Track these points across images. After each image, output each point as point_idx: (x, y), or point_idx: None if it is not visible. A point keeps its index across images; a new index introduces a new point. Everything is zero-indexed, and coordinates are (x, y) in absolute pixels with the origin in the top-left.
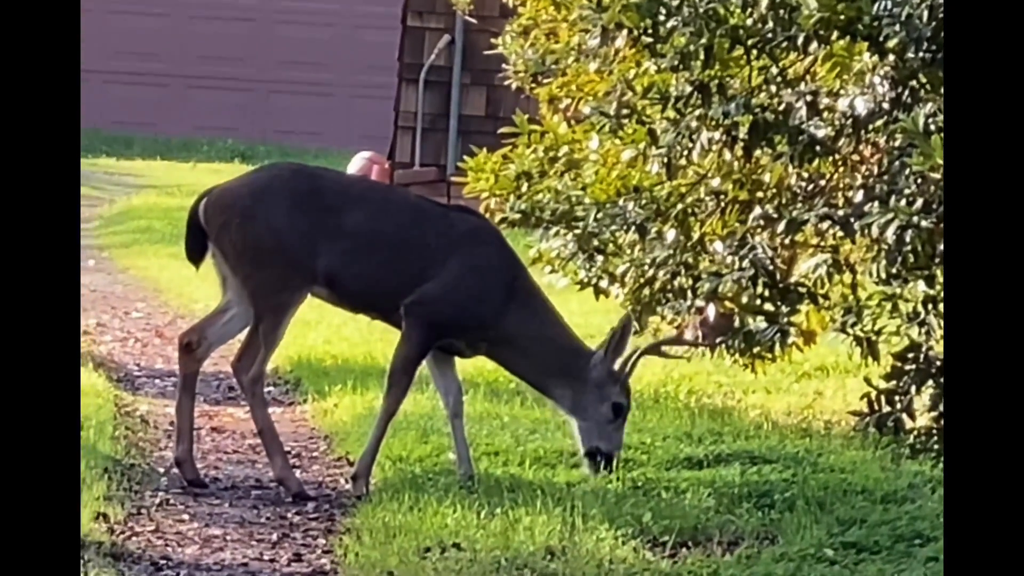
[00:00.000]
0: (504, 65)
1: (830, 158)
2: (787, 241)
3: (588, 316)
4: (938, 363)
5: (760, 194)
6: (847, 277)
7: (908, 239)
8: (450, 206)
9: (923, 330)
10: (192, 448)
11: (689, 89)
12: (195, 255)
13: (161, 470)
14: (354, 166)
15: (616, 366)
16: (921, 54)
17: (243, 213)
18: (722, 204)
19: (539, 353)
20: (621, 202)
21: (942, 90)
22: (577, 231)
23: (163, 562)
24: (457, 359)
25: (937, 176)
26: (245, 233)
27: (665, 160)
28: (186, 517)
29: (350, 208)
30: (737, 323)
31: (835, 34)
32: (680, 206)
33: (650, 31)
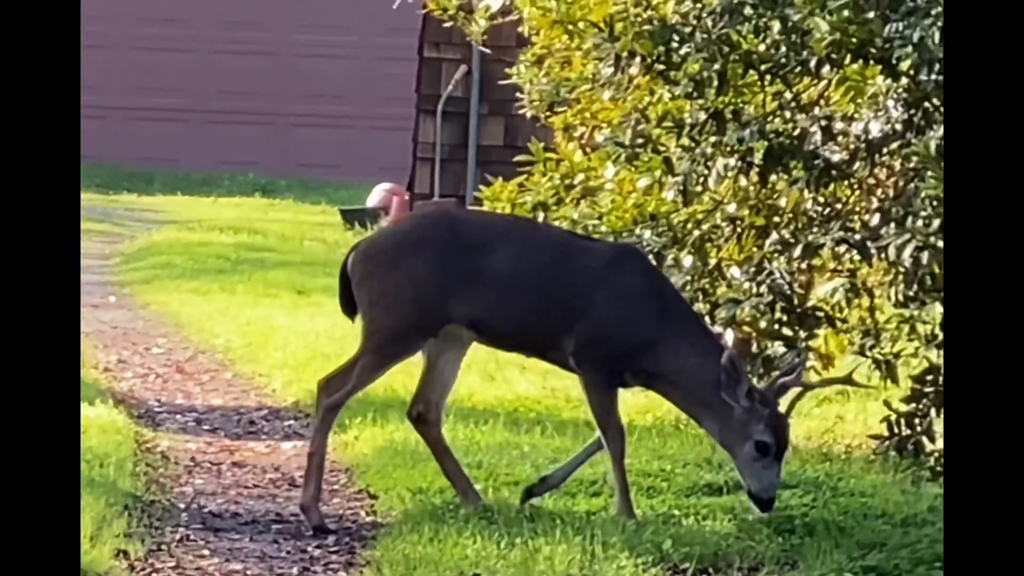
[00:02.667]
0: (519, 94)
1: (845, 182)
2: (804, 265)
3: None
4: None
5: (776, 219)
6: (865, 300)
7: (925, 261)
8: (596, 239)
9: (941, 352)
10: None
11: (703, 116)
12: (349, 308)
13: (182, 506)
14: (374, 198)
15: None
16: (934, 76)
17: (386, 262)
18: (739, 230)
19: (686, 385)
20: (638, 230)
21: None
22: None
23: None
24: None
25: None
26: (385, 281)
27: (681, 187)
28: (206, 553)
29: (493, 250)
30: (755, 348)
31: (848, 57)
32: (697, 233)
33: (663, 58)
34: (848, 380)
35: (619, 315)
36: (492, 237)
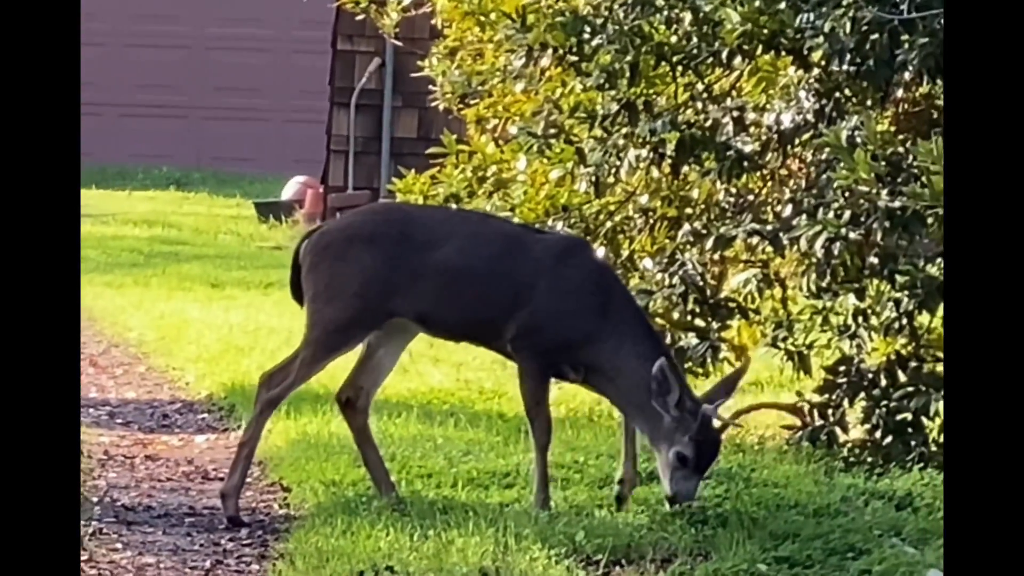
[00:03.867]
0: (432, 87)
1: (758, 173)
2: (716, 257)
3: None
4: (870, 375)
5: (688, 210)
6: (777, 291)
7: (837, 252)
8: (548, 231)
9: (854, 343)
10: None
11: (615, 107)
12: (299, 296)
13: (95, 499)
14: (288, 191)
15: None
16: (845, 66)
17: (335, 254)
18: (651, 221)
19: (622, 384)
20: (550, 221)
21: (868, 102)
22: None
23: None
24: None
25: (864, 188)
26: (332, 273)
27: (593, 178)
28: (119, 546)
29: (442, 244)
30: (668, 340)
31: (759, 48)
32: (609, 224)
33: (575, 50)
34: (787, 407)
35: (558, 306)
36: (442, 232)
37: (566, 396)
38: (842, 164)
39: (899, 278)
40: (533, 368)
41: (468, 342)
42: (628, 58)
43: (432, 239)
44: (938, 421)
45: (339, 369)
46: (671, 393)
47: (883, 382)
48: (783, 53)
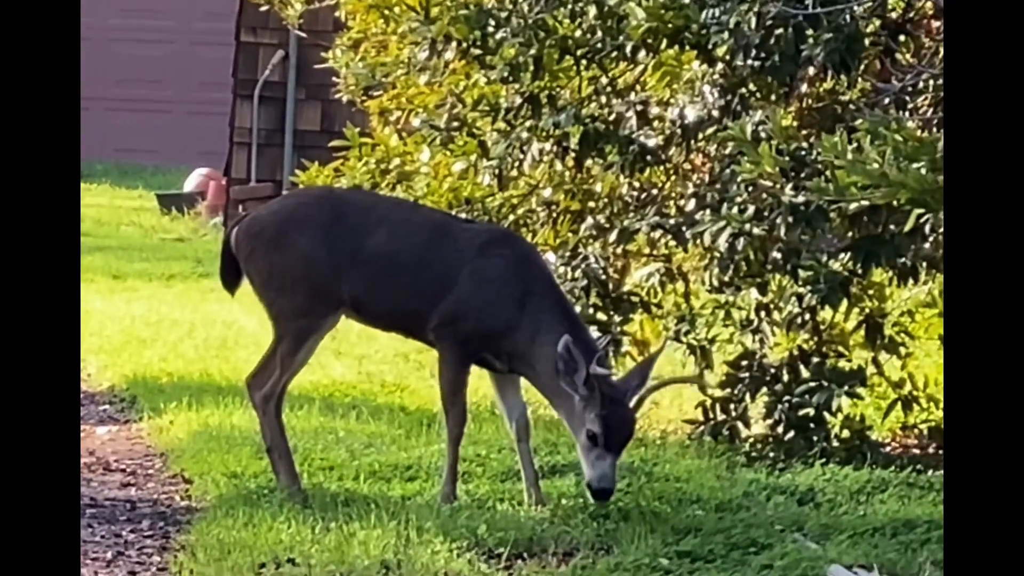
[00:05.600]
0: (336, 79)
1: (661, 167)
2: (619, 250)
3: None
4: (772, 370)
5: (592, 204)
6: (680, 286)
7: (740, 247)
8: (476, 221)
9: (756, 338)
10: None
11: (519, 100)
12: (229, 282)
13: None
14: (191, 183)
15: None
16: (750, 61)
17: (270, 241)
18: (554, 214)
19: (545, 372)
20: (452, 212)
21: (772, 97)
22: None
23: None
24: (523, 382)
25: (768, 183)
26: (271, 261)
27: (496, 171)
28: None
29: (373, 231)
30: None
31: (664, 43)
32: (512, 217)
33: (479, 43)
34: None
35: (479, 296)
36: (374, 217)
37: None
38: (746, 158)
39: (802, 273)
40: (453, 358)
41: (396, 331)
42: (532, 51)
43: (364, 224)
44: (840, 416)
45: (243, 363)
46: (578, 372)
47: (785, 377)
48: (687, 48)
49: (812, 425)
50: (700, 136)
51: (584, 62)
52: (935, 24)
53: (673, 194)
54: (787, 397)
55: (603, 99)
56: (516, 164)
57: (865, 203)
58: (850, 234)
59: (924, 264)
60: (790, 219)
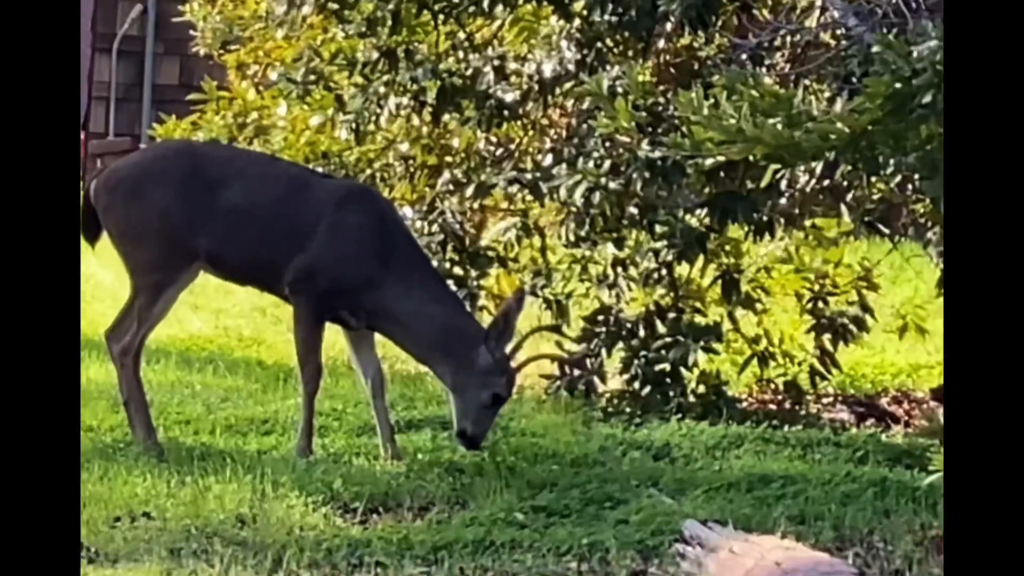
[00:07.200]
0: (194, 32)
1: (518, 122)
2: (476, 205)
3: None
4: (628, 325)
5: (449, 159)
6: (536, 241)
7: (596, 201)
8: (333, 176)
9: (613, 292)
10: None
11: (376, 55)
12: (89, 235)
13: None
14: None
15: (506, 351)
16: (607, 16)
17: (127, 194)
18: (411, 169)
19: (418, 328)
20: (309, 167)
21: (629, 52)
22: None
23: None
24: (377, 337)
25: (624, 138)
26: (128, 214)
27: (353, 126)
28: None
29: (229, 184)
30: None
31: None
32: (369, 171)
33: None
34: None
35: (336, 251)
36: (230, 171)
37: (324, 345)
38: (603, 113)
39: (658, 228)
40: (308, 313)
41: (253, 285)
42: (390, 6)
43: (221, 178)
44: (696, 372)
45: (101, 317)
46: (504, 335)
47: (642, 332)
48: (545, 3)
49: (668, 380)
50: (557, 91)
51: (441, 17)
52: None
53: (530, 149)
54: (643, 352)
55: (460, 54)
56: (373, 118)
57: (721, 159)
58: (706, 190)
59: (781, 220)
60: (646, 174)
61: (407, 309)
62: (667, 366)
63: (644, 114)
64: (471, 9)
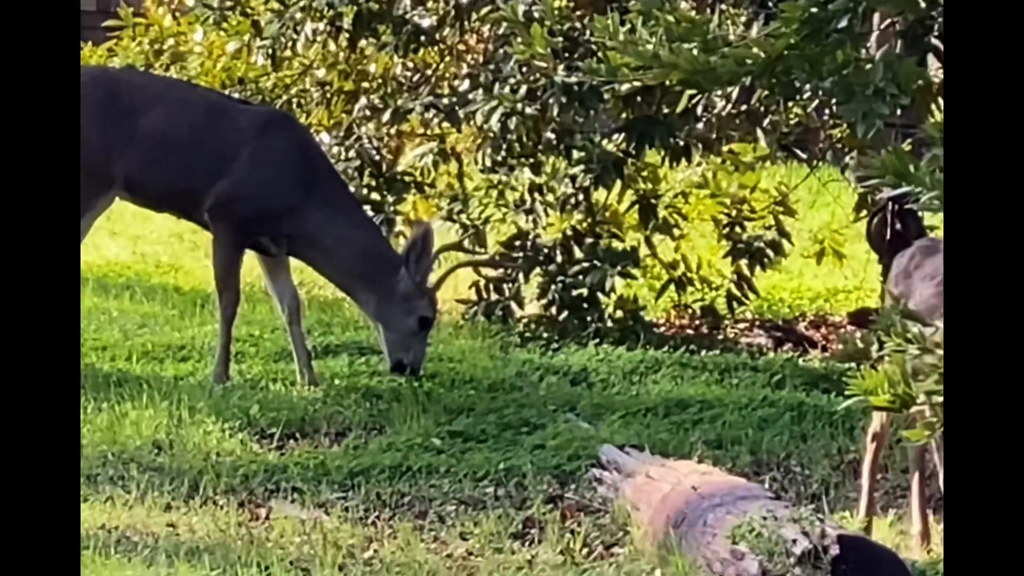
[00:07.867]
0: None
1: (435, 47)
2: (393, 131)
3: None
4: (546, 251)
5: (366, 84)
6: (453, 166)
7: (513, 127)
8: (252, 103)
9: (530, 218)
10: None
11: None
12: None
13: None
14: None
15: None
16: None
17: None
18: (327, 95)
19: (341, 255)
20: (227, 93)
21: None
22: None
23: None
24: (294, 263)
25: (541, 64)
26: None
27: (270, 51)
28: None
29: (147, 110)
30: None
31: None
32: (285, 97)
33: None
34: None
35: (257, 177)
36: (148, 97)
37: (243, 272)
38: (519, 39)
39: (575, 153)
40: (228, 239)
41: (171, 212)
42: None
43: (138, 104)
44: (614, 297)
45: None
46: (422, 259)
47: (559, 257)
48: None
49: (586, 305)
50: (474, 16)
51: None
52: None
53: (447, 74)
54: (561, 277)
55: None
56: (290, 44)
57: (638, 84)
58: (623, 115)
59: (698, 145)
60: (563, 99)
61: (329, 235)
62: (584, 291)
63: (560, 39)
64: None
